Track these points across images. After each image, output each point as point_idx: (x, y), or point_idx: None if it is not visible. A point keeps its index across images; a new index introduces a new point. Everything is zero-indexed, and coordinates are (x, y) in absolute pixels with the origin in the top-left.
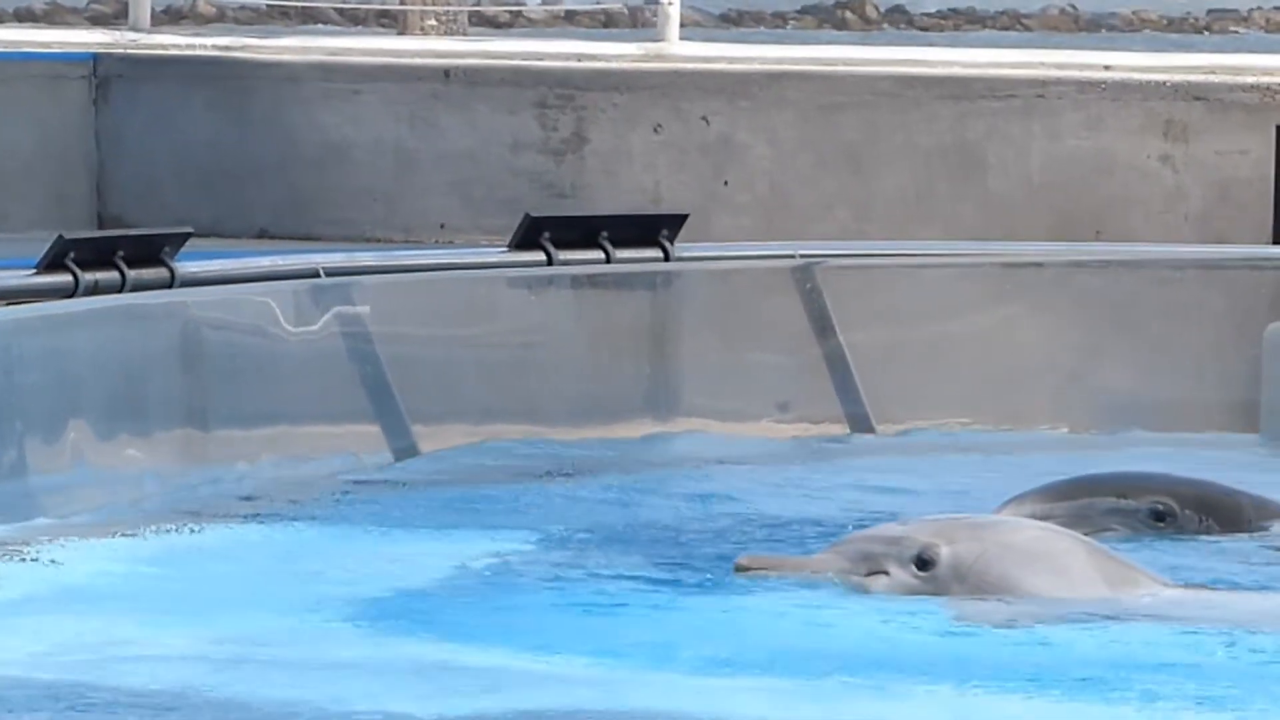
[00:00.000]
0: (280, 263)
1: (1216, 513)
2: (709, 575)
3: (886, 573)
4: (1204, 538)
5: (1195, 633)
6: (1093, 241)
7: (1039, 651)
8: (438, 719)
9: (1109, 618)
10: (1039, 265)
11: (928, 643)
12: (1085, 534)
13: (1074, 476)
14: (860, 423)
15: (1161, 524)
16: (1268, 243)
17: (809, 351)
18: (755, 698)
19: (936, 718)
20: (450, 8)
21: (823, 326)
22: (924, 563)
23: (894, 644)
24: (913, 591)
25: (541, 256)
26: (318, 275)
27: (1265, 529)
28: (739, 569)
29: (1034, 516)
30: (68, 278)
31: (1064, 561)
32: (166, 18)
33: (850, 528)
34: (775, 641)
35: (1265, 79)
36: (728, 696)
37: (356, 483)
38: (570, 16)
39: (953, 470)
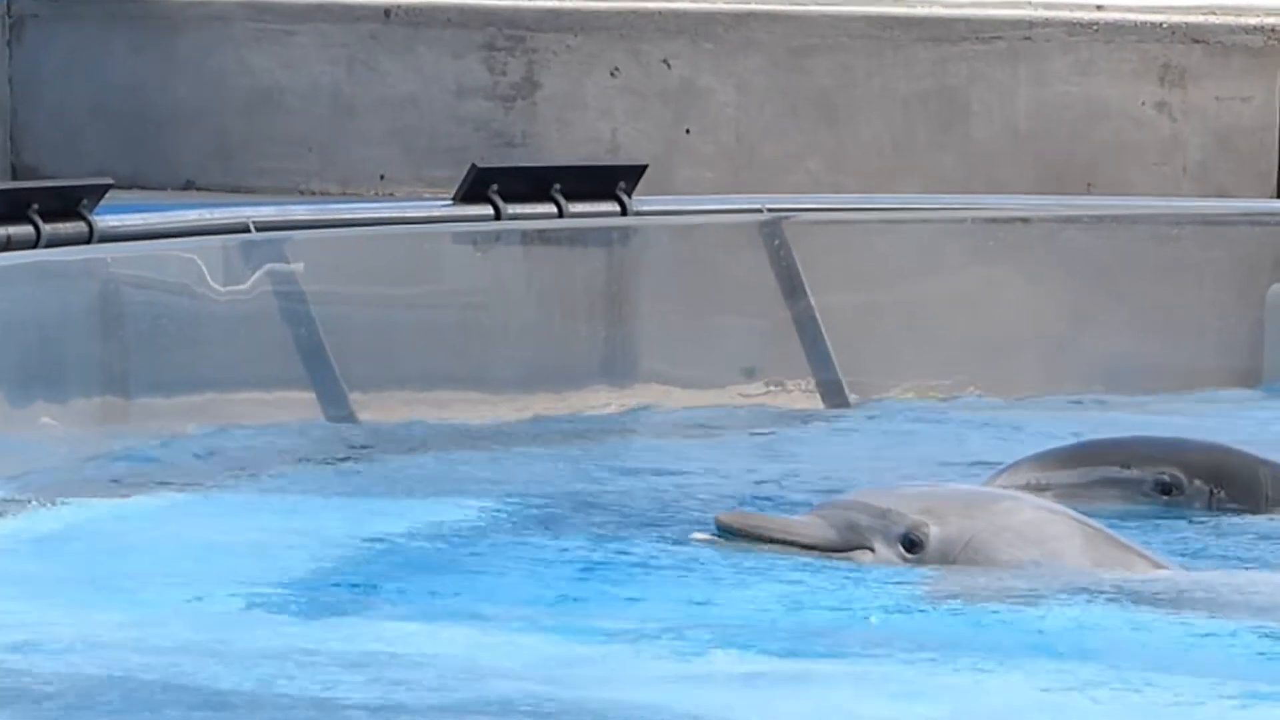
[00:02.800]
0: (207, 216)
1: (1230, 484)
2: (669, 551)
3: (871, 549)
4: (1215, 512)
5: (1190, 620)
6: (1083, 195)
7: (1016, 632)
8: (379, 702)
9: (1089, 600)
10: (1025, 221)
11: (905, 620)
12: (1083, 507)
13: (1074, 443)
14: (832, 390)
15: (1167, 497)
16: (1272, 196)
17: (777, 313)
18: (724, 676)
19: (907, 694)
20: None
21: (792, 286)
22: (911, 544)
23: (864, 619)
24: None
25: (489, 210)
26: (248, 230)
27: None
28: (720, 525)
29: (1029, 486)
30: None
31: (1058, 546)
32: None
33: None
34: (742, 615)
35: (1270, 20)
36: (694, 674)
37: (290, 453)
38: None
39: (932, 442)
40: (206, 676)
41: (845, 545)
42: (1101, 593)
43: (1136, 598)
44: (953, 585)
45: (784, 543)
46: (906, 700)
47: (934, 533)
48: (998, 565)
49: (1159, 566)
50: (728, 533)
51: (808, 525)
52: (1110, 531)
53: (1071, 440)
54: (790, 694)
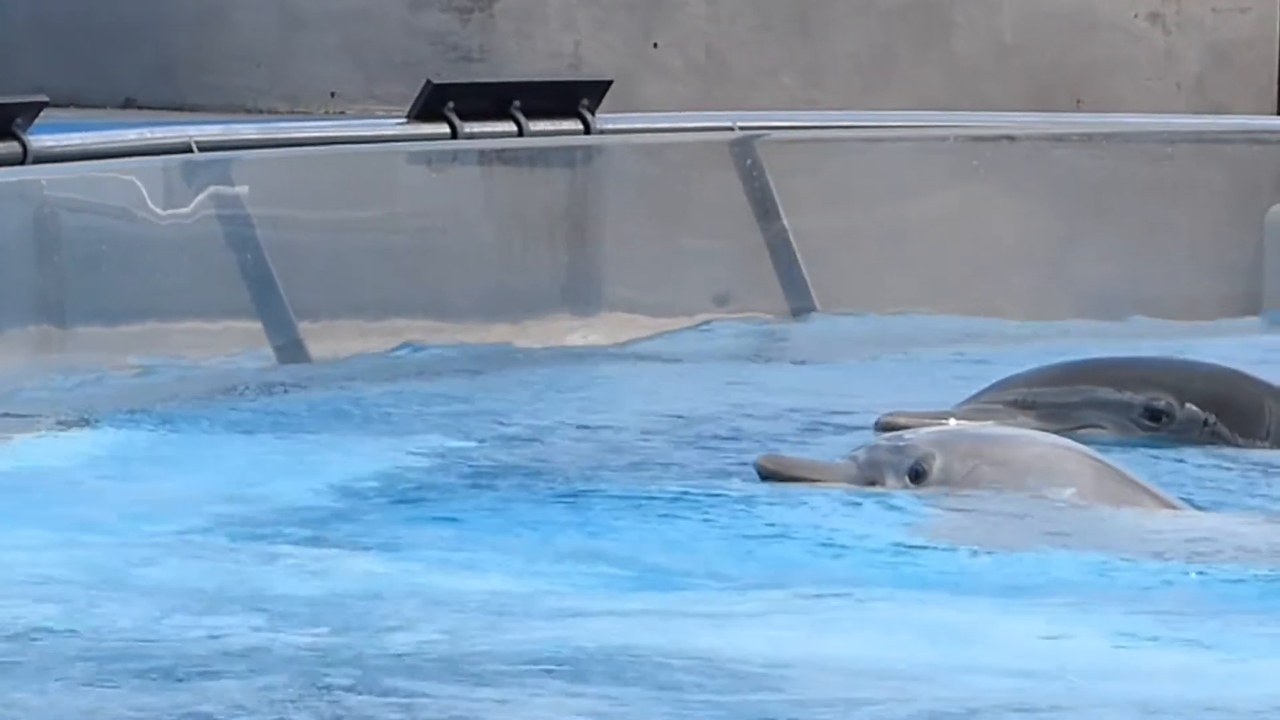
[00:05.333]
0: (148, 136)
1: (1227, 412)
2: (637, 484)
3: (883, 483)
4: (1208, 444)
5: (1203, 566)
6: (1072, 112)
7: (999, 568)
8: (326, 644)
9: (1089, 539)
10: (1011, 139)
11: (880, 553)
12: (1067, 429)
13: (1062, 361)
14: (807, 317)
15: (1157, 424)
16: (1271, 113)
17: (749, 237)
18: (696, 614)
19: (887, 631)
20: None
21: (765, 209)
22: (916, 474)
23: (846, 549)
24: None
25: (445, 129)
26: (190, 150)
27: None
28: (761, 470)
29: (1012, 405)
30: None
31: (1064, 480)
32: None
33: (786, 440)
34: (714, 548)
35: None
36: (667, 610)
37: (235, 386)
38: None
39: (911, 370)
40: (150, 612)
41: (865, 482)
42: (1102, 529)
43: (1139, 537)
44: (946, 517)
45: (813, 482)
46: (898, 633)
47: (937, 464)
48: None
49: (1169, 507)
50: (765, 476)
51: (835, 467)
52: (1124, 469)
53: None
54: (747, 626)
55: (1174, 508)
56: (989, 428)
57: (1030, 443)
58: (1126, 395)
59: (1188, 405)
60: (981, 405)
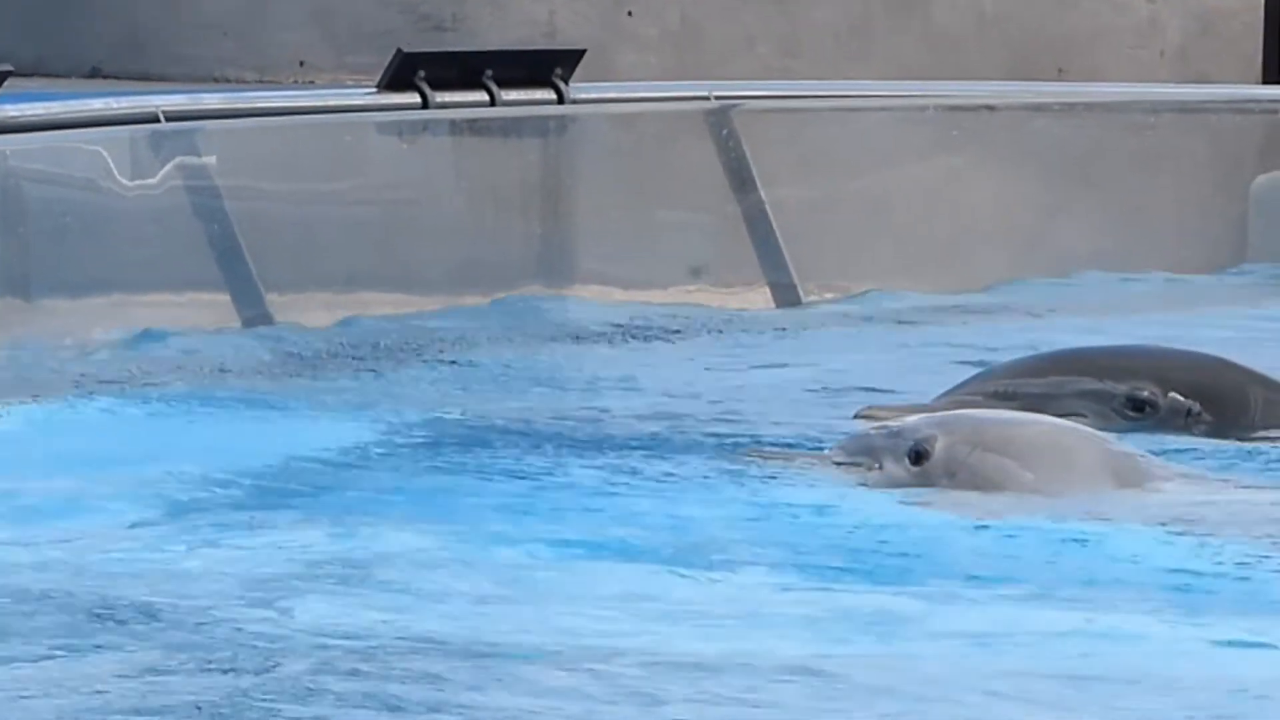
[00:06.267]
0: (114, 106)
1: (1212, 402)
2: (610, 464)
3: (882, 466)
4: (1191, 434)
5: (1209, 538)
6: (1054, 81)
7: (1016, 547)
8: (306, 628)
9: (1104, 515)
10: (991, 109)
11: (902, 535)
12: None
13: (1044, 351)
14: (785, 291)
15: (1140, 414)
16: (1256, 82)
17: (725, 208)
18: (672, 604)
19: (895, 610)
20: None
21: (741, 179)
22: (918, 456)
23: (845, 533)
24: (904, 485)
25: (416, 98)
26: (157, 120)
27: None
28: (753, 455)
29: (993, 398)
30: None
31: (1070, 458)
32: None
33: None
34: (703, 535)
35: None
36: (637, 592)
37: (203, 360)
38: None
39: (890, 346)
40: (118, 588)
41: (860, 467)
42: (1107, 506)
43: (1147, 513)
44: (955, 500)
45: (793, 462)
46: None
47: (940, 445)
48: (1003, 475)
49: (1182, 478)
50: (758, 458)
51: (830, 456)
52: (1131, 449)
53: (1033, 349)
54: (721, 596)
55: (1188, 478)
56: (988, 410)
57: (1033, 423)
58: (1109, 385)
59: (1171, 395)
60: (962, 398)
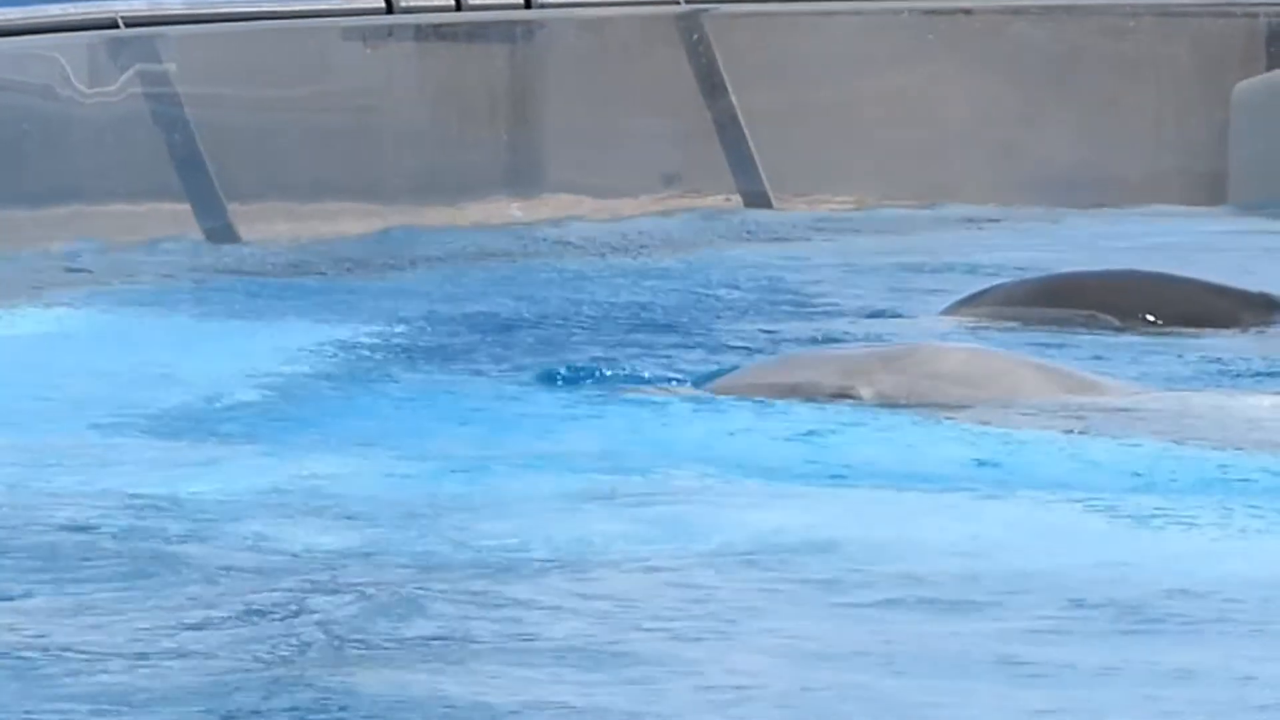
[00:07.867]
0: (72, 11)
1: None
2: (576, 377)
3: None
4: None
5: (1139, 440)
6: None
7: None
8: (251, 538)
9: (1037, 427)
10: (968, 12)
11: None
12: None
13: (1028, 277)
14: (756, 198)
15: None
16: None
17: (696, 115)
18: (630, 515)
19: (857, 520)
20: None
21: (712, 85)
22: (846, 392)
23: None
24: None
25: (380, 3)
26: (116, 26)
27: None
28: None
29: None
30: None
31: (1009, 381)
32: None
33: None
34: (648, 450)
35: None
36: (597, 511)
37: (163, 271)
38: None
39: (864, 254)
40: (83, 502)
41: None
42: (1045, 417)
43: (1080, 420)
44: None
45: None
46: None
47: (866, 394)
48: (946, 409)
49: (1122, 388)
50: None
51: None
52: (1042, 360)
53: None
54: (641, 511)
55: (1105, 387)
56: (876, 346)
57: (941, 351)
58: (1086, 310)
59: (1141, 316)
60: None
